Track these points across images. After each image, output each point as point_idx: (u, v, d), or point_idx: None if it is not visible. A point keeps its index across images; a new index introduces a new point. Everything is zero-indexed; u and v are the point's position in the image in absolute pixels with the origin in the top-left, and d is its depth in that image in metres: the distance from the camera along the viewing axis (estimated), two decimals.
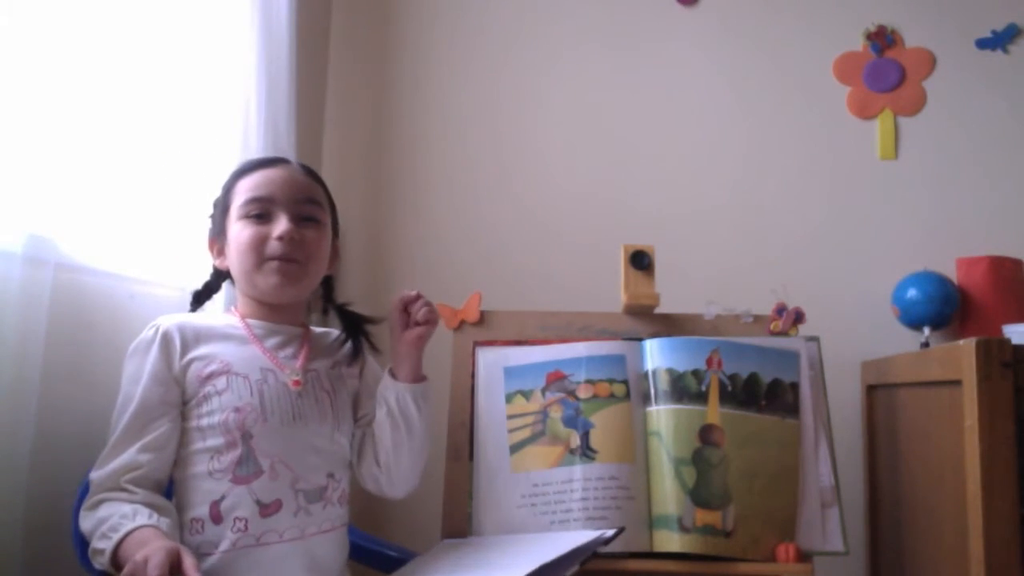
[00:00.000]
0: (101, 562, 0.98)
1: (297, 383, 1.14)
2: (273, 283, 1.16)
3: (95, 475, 1.07)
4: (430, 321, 1.23)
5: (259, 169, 1.20)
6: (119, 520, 0.99)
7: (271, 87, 1.64)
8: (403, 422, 1.21)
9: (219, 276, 1.26)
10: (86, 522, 1.03)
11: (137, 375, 1.11)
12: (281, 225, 1.14)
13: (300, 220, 1.17)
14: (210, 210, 1.26)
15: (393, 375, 1.24)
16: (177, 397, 1.11)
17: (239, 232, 1.16)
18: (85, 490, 1.14)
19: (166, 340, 1.13)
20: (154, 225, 1.39)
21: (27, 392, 1.11)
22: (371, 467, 1.23)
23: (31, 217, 1.10)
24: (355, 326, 1.29)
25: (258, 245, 1.15)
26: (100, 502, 1.04)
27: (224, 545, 1.06)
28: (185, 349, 1.13)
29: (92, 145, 1.26)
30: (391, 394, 1.22)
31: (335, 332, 1.29)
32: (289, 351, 1.18)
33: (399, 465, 1.23)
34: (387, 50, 2.14)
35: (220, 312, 1.31)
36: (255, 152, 1.56)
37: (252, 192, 1.17)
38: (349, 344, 1.27)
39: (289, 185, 1.18)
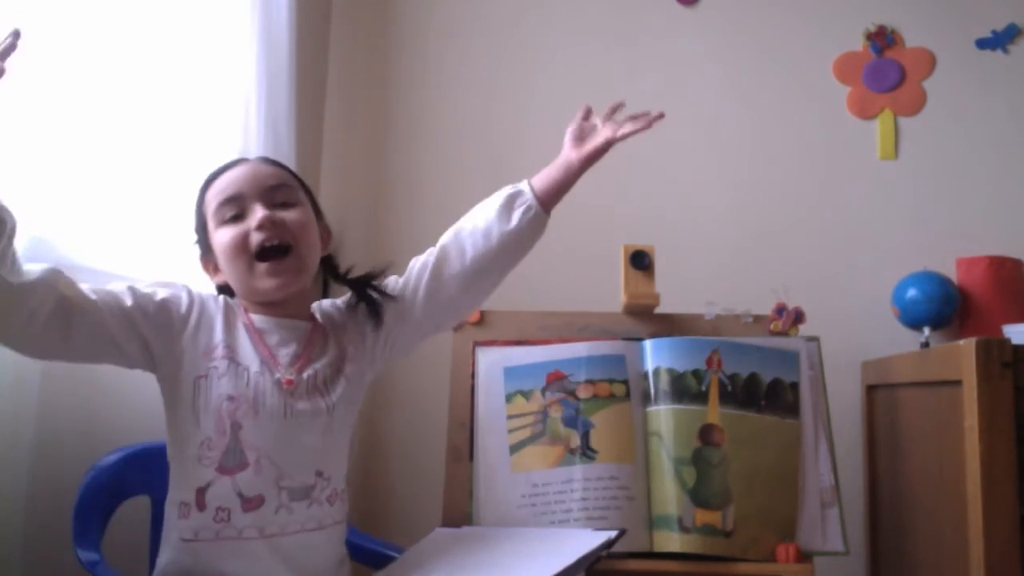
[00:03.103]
0: None
1: (290, 383, 1.11)
2: (270, 285, 1.13)
3: None
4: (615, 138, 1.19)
5: (221, 175, 1.17)
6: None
7: (271, 87, 1.64)
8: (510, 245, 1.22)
9: (221, 291, 1.23)
10: None
11: (154, 285, 1.11)
12: (256, 214, 1.12)
13: (275, 207, 1.14)
14: (194, 235, 1.22)
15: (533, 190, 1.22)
16: (142, 330, 1.07)
17: (221, 240, 1.13)
18: (86, 489, 1.14)
19: (200, 304, 1.13)
20: (154, 225, 1.39)
21: (27, 392, 1.11)
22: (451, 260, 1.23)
23: (31, 217, 1.10)
24: (364, 287, 1.24)
25: (241, 243, 1.12)
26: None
27: (206, 534, 1.05)
28: (201, 317, 1.12)
29: (92, 145, 1.26)
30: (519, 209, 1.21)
31: (341, 303, 1.26)
32: (291, 349, 1.15)
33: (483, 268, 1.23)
34: (387, 50, 2.14)
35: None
36: (255, 152, 1.56)
37: (220, 196, 1.14)
38: (365, 309, 1.23)
39: (254, 177, 1.15)
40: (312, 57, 1.97)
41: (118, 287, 1.08)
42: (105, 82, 1.28)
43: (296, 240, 1.14)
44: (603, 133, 1.23)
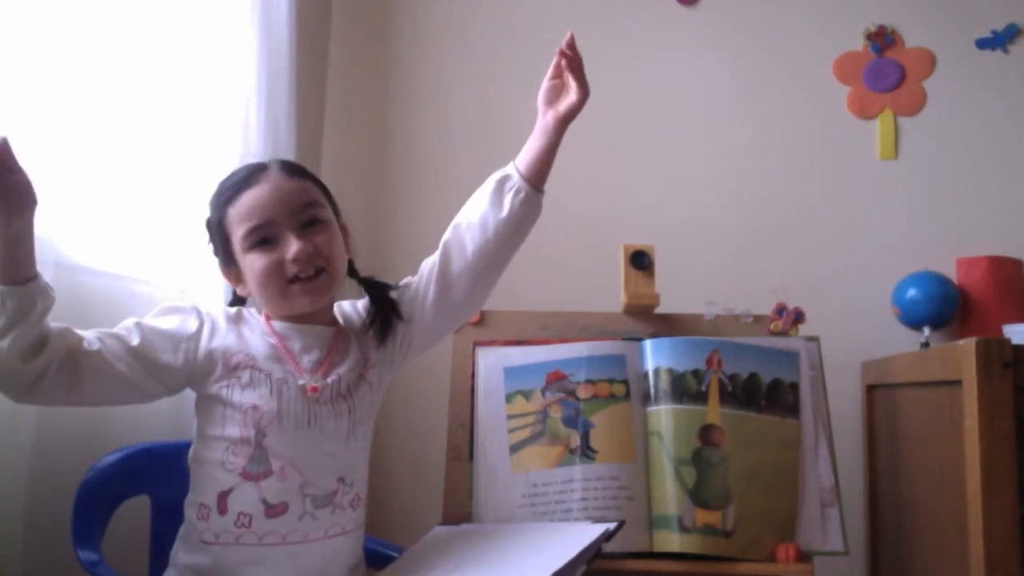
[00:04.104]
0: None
1: (315, 390, 1.12)
2: (304, 303, 1.13)
3: None
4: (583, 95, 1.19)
5: (243, 191, 1.13)
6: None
7: (271, 87, 1.64)
8: (506, 230, 1.20)
9: (237, 300, 1.24)
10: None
11: (155, 318, 1.11)
12: (292, 247, 1.11)
13: (304, 228, 1.13)
14: (205, 231, 1.21)
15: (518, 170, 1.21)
16: (154, 365, 1.08)
17: (252, 264, 1.12)
18: (85, 489, 1.14)
19: (211, 322, 1.13)
20: (153, 225, 1.39)
21: None
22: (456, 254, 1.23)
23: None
24: (382, 298, 1.23)
25: (275, 272, 1.11)
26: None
27: (227, 537, 1.06)
28: (213, 334, 1.12)
29: (92, 145, 1.26)
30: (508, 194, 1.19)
31: (360, 307, 1.26)
32: (314, 355, 1.15)
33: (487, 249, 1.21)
34: (387, 50, 2.14)
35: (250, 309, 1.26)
36: (255, 152, 1.56)
37: (247, 222, 1.12)
38: (378, 324, 1.22)
39: (280, 199, 1.13)
40: (312, 57, 1.97)
41: (126, 325, 1.08)
42: (105, 82, 1.28)
43: (328, 262, 1.14)
44: (574, 91, 1.21)
